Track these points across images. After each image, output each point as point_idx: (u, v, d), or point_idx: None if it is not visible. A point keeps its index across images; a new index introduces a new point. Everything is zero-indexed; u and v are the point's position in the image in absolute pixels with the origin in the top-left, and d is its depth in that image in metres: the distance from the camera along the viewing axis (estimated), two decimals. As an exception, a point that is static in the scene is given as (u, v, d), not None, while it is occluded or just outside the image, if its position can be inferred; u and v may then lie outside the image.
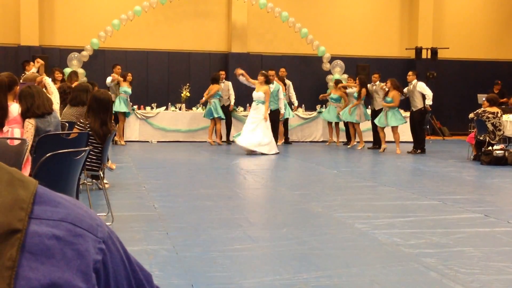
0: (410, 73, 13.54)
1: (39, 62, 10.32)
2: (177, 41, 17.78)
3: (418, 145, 13.37)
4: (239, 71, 13.13)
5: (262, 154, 12.30)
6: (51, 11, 17.00)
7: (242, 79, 13.06)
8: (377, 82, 14.24)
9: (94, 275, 0.61)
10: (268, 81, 12.68)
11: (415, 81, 13.28)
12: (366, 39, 19.19)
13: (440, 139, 18.01)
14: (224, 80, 14.86)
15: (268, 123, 12.50)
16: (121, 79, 14.22)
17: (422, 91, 13.10)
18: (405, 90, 13.45)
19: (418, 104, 13.21)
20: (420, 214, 6.45)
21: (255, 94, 12.69)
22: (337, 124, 15.32)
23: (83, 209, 0.64)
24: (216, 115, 14.23)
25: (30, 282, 0.55)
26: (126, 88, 14.15)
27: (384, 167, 11.23)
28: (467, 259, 4.69)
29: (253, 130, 12.37)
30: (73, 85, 9.73)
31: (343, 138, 15.54)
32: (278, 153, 12.49)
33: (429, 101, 13.06)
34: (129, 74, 14.44)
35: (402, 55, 19.38)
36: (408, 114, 14.09)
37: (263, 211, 6.58)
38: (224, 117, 14.49)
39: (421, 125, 13.44)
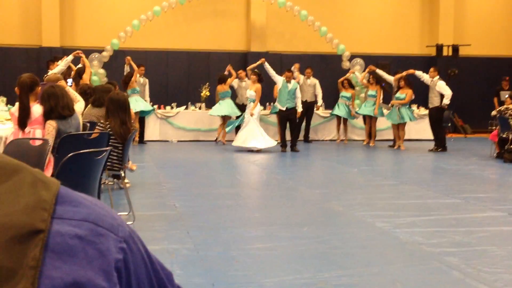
0: (431, 69, 13.48)
1: (80, 53, 10.18)
2: (196, 41, 17.83)
3: (439, 143, 13.28)
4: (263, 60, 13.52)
5: (258, 150, 12.61)
6: (71, 12, 17.16)
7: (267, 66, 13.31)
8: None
9: (115, 274, 0.61)
10: (260, 80, 12.97)
11: (436, 78, 13.20)
12: (386, 37, 19.07)
13: (462, 136, 17.84)
14: (246, 79, 14.90)
15: (255, 119, 12.87)
16: (130, 59, 14.20)
17: (440, 91, 13.01)
18: (424, 77, 13.43)
19: (435, 101, 13.13)
20: (442, 213, 6.40)
21: (248, 93, 13.23)
22: (345, 121, 15.38)
23: (104, 208, 0.65)
24: (217, 114, 14.43)
25: (53, 281, 0.56)
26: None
27: (405, 166, 11.16)
28: (490, 258, 4.64)
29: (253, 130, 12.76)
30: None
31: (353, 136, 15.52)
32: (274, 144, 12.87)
33: (446, 101, 12.96)
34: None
35: (422, 53, 19.23)
36: (426, 111, 14.13)
37: (284, 210, 6.57)
38: (228, 115, 14.59)
39: (439, 123, 13.33)
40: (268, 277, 4.11)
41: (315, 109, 15.61)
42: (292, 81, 13.07)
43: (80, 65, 10.35)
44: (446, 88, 13.02)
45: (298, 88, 13.15)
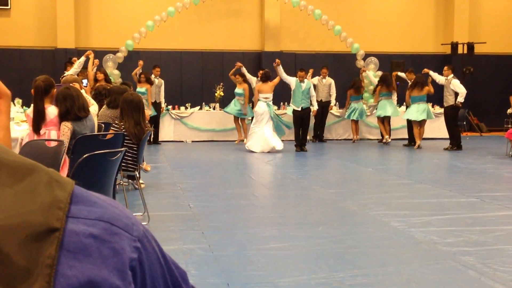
0: (446, 67, 13.43)
1: (89, 54, 10.51)
2: (210, 41, 17.87)
3: (454, 142, 13.20)
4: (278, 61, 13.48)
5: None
6: (86, 14, 17.27)
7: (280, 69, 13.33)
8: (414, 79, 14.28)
9: (130, 273, 0.62)
10: (263, 78, 13.06)
11: (450, 76, 13.13)
12: (400, 35, 18.99)
13: (477, 135, 17.72)
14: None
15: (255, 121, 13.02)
16: (140, 65, 14.21)
17: (454, 89, 12.94)
18: (437, 77, 13.44)
19: (450, 100, 13.07)
20: (458, 212, 6.36)
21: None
22: (357, 121, 15.41)
23: (118, 208, 0.65)
24: (231, 112, 14.52)
25: (68, 280, 0.56)
26: (138, 89, 13.84)
27: (420, 165, 11.10)
28: (506, 257, 4.60)
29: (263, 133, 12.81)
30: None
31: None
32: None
33: (461, 99, 12.92)
34: (142, 75, 14.08)
35: (437, 51, 19.12)
36: (441, 110, 14.14)
37: (298, 210, 6.57)
38: (242, 116, 14.57)
39: (454, 121, 13.26)
40: (283, 277, 4.11)
41: (329, 109, 15.60)
42: (306, 80, 13.04)
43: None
44: (460, 86, 12.94)
45: (311, 87, 13.13)
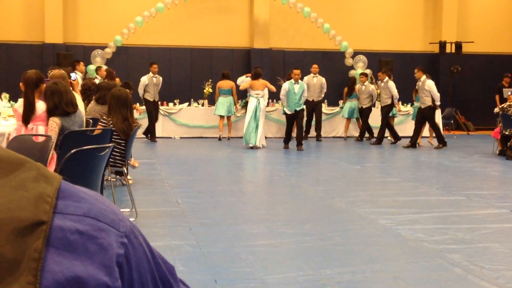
0: (416, 70, 13.36)
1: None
2: (199, 38, 17.83)
3: (440, 140, 13.27)
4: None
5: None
6: (75, 9, 17.17)
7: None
8: (385, 79, 14.17)
9: (117, 269, 0.61)
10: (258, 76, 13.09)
11: (423, 77, 13.10)
12: (389, 34, 19.05)
13: (464, 134, 17.82)
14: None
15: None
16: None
17: (429, 90, 12.94)
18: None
19: (426, 101, 13.02)
20: (445, 210, 6.40)
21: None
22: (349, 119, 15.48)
23: (105, 203, 0.65)
24: (217, 113, 14.46)
25: (55, 275, 0.56)
26: None
27: (407, 163, 11.15)
28: (492, 255, 4.64)
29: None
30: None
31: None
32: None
33: (437, 102, 13.01)
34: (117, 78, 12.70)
35: (426, 50, 19.19)
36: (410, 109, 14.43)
37: (286, 207, 6.58)
38: (228, 114, 14.51)
39: (432, 121, 13.29)
40: (270, 274, 4.11)
41: (322, 107, 15.48)
42: (300, 82, 12.78)
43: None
44: (434, 89, 12.96)
45: (305, 88, 12.90)
